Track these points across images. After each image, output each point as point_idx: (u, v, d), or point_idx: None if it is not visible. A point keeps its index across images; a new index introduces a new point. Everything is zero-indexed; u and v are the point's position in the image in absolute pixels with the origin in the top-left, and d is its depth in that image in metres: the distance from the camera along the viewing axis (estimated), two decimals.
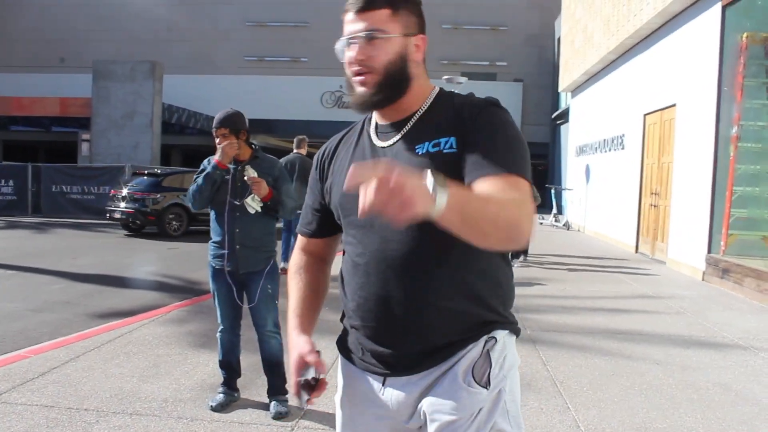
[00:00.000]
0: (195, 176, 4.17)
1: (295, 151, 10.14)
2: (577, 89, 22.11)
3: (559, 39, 27.54)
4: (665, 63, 12.60)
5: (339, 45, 1.64)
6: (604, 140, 17.28)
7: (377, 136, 1.72)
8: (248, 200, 3.98)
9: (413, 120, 1.67)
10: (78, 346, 5.51)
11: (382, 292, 1.63)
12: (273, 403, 4.11)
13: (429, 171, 1.23)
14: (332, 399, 4.26)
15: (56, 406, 4.12)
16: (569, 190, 22.44)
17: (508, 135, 1.57)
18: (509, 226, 1.34)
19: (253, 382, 4.54)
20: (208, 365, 5.00)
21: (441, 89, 1.74)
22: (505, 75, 36.57)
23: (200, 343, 5.65)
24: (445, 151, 1.57)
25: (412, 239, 1.58)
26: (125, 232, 15.98)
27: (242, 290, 4.14)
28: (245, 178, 3.97)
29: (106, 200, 20.76)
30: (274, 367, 4.17)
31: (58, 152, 36.71)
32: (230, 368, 4.28)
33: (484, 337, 1.62)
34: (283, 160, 9.96)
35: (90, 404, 4.17)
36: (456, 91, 1.75)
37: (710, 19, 10.38)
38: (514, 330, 1.72)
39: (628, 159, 14.95)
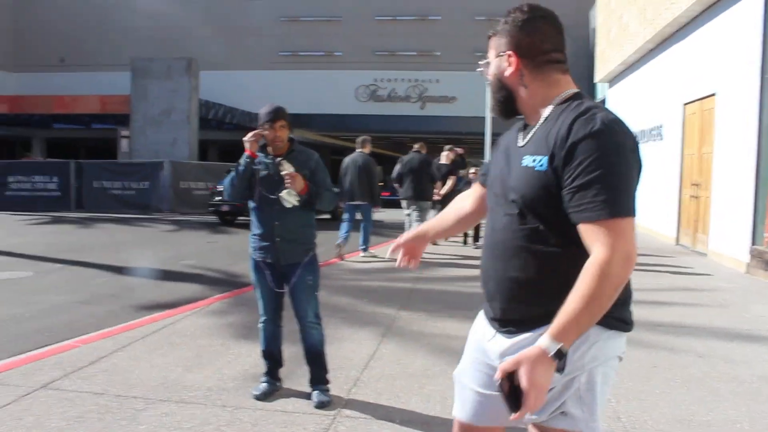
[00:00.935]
0: (230, 169, 4.27)
1: (358, 150, 10.99)
2: (613, 80, 21.81)
3: (594, 29, 27.20)
4: (705, 51, 12.37)
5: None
6: (642, 131, 17.03)
7: (523, 134, 1.96)
8: (284, 194, 4.01)
9: (538, 125, 1.89)
10: (124, 336, 5.65)
11: (488, 268, 1.98)
12: (315, 392, 4.18)
13: (556, 353, 1.62)
14: (372, 389, 4.31)
15: (105, 393, 4.24)
16: None
17: (609, 171, 1.67)
18: (615, 286, 1.66)
19: (295, 372, 4.61)
20: (250, 356, 5.09)
21: (574, 94, 1.91)
22: None
23: (241, 335, 5.75)
24: (536, 168, 1.79)
25: (510, 234, 1.87)
26: (166, 227, 16.22)
27: (283, 282, 4.21)
28: (281, 173, 4.03)
29: (146, 195, 21.19)
30: (315, 358, 4.23)
31: (99, 149, 37.52)
32: (272, 358, 4.35)
33: None
34: (347, 159, 10.73)
35: (138, 392, 4.28)
36: (583, 97, 1.91)
37: (752, 5, 10.17)
38: (609, 324, 1.82)
39: (668, 150, 14.72)
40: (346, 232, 10.76)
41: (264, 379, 4.34)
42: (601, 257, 1.64)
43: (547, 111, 1.87)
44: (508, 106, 1.98)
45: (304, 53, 37.66)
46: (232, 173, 4.21)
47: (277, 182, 4.06)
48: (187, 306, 6.93)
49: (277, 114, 4.09)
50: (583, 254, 1.70)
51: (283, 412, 4.01)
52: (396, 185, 11.67)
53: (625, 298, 1.87)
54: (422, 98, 35.57)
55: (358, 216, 11.01)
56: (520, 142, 1.92)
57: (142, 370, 4.75)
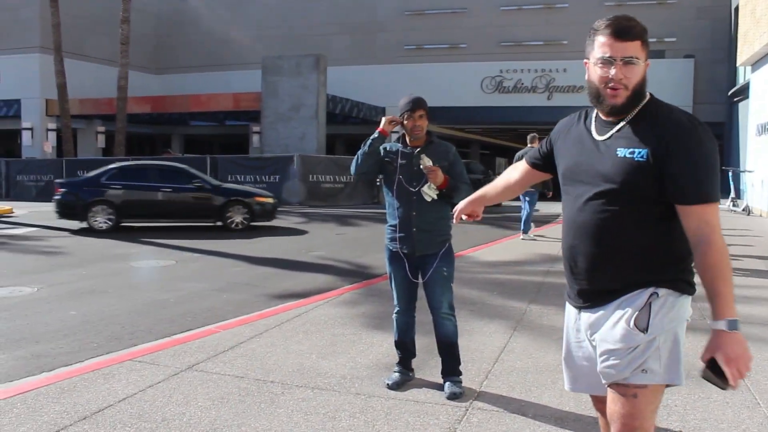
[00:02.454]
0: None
1: (529, 145, 11.90)
2: (758, 62, 20.32)
3: (736, 8, 25.47)
4: None
5: (594, 60, 2.15)
6: None
7: (596, 128, 2.24)
8: (425, 188, 4.01)
9: (623, 122, 2.15)
10: (260, 323, 5.86)
11: (576, 245, 2.23)
12: (447, 383, 4.16)
13: (730, 326, 1.97)
14: (504, 382, 4.23)
15: (245, 377, 4.42)
16: (749, 172, 20.76)
17: (708, 162, 2.04)
18: (728, 255, 2.05)
19: (427, 363, 4.60)
20: (382, 345, 5.14)
21: (651, 97, 2.18)
22: (674, 51, 34.29)
23: (373, 324, 5.82)
24: (636, 159, 2.06)
25: (595, 210, 2.15)
26: (296, 219, 16.67)
27: (418, 273, 4.21)
28: (421, 166, 4.02)
29: (276, 188, 21.94)
30: (448, 349, 4.21)
31: (232, 145, 39.26)
32: (405, 348, 4.37)
33: (650, 291, 2.11)
34: (520, 152, 11.32)
35: (275, 377, 4.43)
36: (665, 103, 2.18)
37: None
38: (681, 288, 2.15)
39: None
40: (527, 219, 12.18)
41: (397, 368, 4.36)
42: (714, 235, 2.01)
43: (636, 110, 2.14)
44: (635, 106, 2.15)
45: (429, 46, 37.63)
46: (359, 152, 4.25)
47: (416, 174, 4.06)
48: (319, 296, 7.10)
49: (416, 104, 4.09)
50: (666, 229, 2.10)
51: (415, 402, 4.02)
52: None
53: (690, 263, 2.16)
54: (549, 88, 34.60)
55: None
56: (601, 136, 2.19)
57: (278, 356, 4.91)
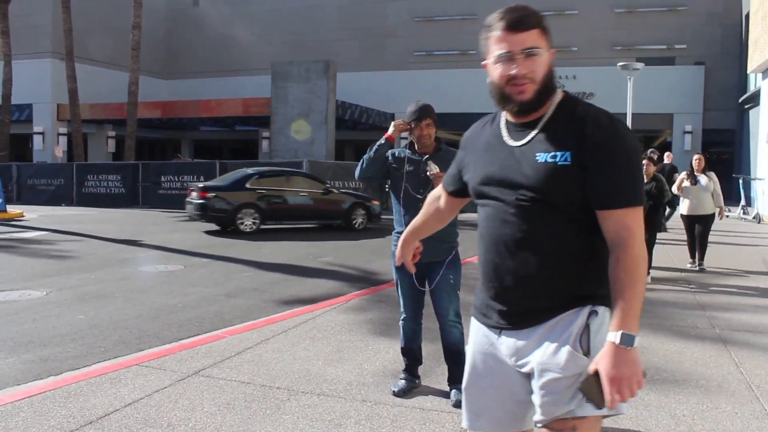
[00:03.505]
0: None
1: None
2: None
3: (747, 15, 25.39)
4: None
5: (494, 59, 1.94)
6: None
7: (508, 133, 2.04)
8: None
9: (540, 125, 1.97)
10: (267, 329, 5.87)
11: (500, 263, 2.00)
12: (454, 391, 4.14)
13: (624, 341, 1.75)
14: None
15: (252, 382, 4.42)
16: (760, 179, 20.65)
17: (630, 163, 1.89)
18: (645, 265, 1.87)
19: (433, 370, 4.60)
20: (389, 352, 5.14)
21: (566, 94, 2.01)
22: (684, 58, 34.25)
23: (380, 331, 5.81)
24: (559, 163, 1.88)
25: (520, 224, 1.94)
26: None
27: (424, 280, 4.20)
28: (428, 173, 4.02)
29: None
30: (455, 356, 4.19)
31: (241, 150, 39.42)
32: (412, 355, 4.36)
33: (587, 310, 1.92)
34: None
35: (281, 383, 4.43)
36: (580, 98, 2.04)
37: None
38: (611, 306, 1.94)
39: None
40: None
41: (403, 375, 4.36)
42: (632, 240, 1.84)
43: (549, 110, 1.97)
44: (545, 101, 1.97)
45: (439, 52, 37.71)
46: (369, 152, 4.26)
47: (422, 181, 4.06)
48: (327, 302, 7.10)
49: (423, 112, 4.10)
50: (601, 239, 1.90)
51: (421, 410, 4.01)
52: None
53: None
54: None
55: None
56: (516, 141, 2.00)
57: (285, 362, 4.91)
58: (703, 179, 9.75)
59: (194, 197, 14.92)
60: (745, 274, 9.33)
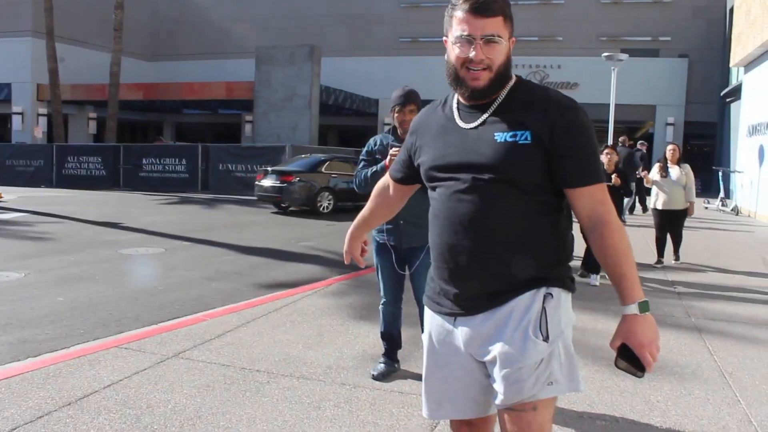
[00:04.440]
0: (361, 157, 4.34)
1: None
2: (751, 64, 20.42)
3: (731, 10, 25.54)
4: None
5: (453, 38, 1.94)
6: None
7: (460, 116, 2.03)
8: None
9: (493, 107, 1.97)
10: (248, 312, 5.87)
11: (456, 243, 1.98)
12: None
13: (642, 309, 1.85)
14: None
15: (231, 365, 4.43)
16: (739, 172, 20.87)
17: (593, 142, 1.94)
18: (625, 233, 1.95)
19: (412, 355, 4.63)
20: (369, 336, 5.17)
21: (519, 78, 2.03)
22: (668, 51, 34.37)
23: (360, 315, 5.84)
24: (520, 142, 1.89)
25: (478, 203, 1.93)
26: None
27: (404, 265, 4.23)
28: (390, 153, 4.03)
29: None
30: None
31: (224, 133, 39.13)
32: (391, 340, 4.39)
33: (542, 293, 1.92)
34: None
35: (261, 366, 4.44)
36: (533, 81, 2.09)
37: None
38: (568, 286, 2.01)
39: None
40: None
41: (382, 359, 4.39)
42: (610, 216, 1.91)
43: (504, 92, 1.98)
44: (500, 88, 1.98)
45: (425, 39, 37.58)
46: (368, 170, 4.27)
47: None
48: (308, 286, 7.11)
49: (408, 98, 4.10)
50: (555, 221, 1.97)
51: (399, 393, 4.04)
52: None
53: (570, 257, 2.07)
54: (543, 84, 34.74)
55: None
56: (468, 124, 1.99)
57: (265, 345, 4.92)
58: (674, 172, 9.18)
59: (273, 180, 15.69)
60: (721, 264, 9.45)
